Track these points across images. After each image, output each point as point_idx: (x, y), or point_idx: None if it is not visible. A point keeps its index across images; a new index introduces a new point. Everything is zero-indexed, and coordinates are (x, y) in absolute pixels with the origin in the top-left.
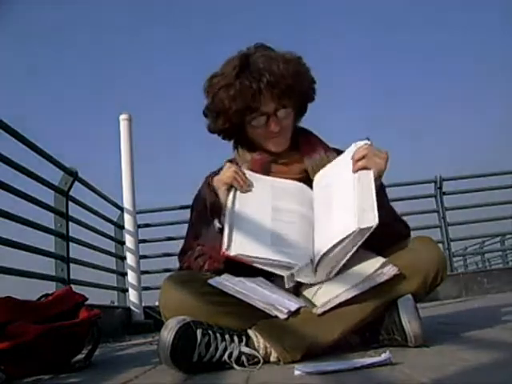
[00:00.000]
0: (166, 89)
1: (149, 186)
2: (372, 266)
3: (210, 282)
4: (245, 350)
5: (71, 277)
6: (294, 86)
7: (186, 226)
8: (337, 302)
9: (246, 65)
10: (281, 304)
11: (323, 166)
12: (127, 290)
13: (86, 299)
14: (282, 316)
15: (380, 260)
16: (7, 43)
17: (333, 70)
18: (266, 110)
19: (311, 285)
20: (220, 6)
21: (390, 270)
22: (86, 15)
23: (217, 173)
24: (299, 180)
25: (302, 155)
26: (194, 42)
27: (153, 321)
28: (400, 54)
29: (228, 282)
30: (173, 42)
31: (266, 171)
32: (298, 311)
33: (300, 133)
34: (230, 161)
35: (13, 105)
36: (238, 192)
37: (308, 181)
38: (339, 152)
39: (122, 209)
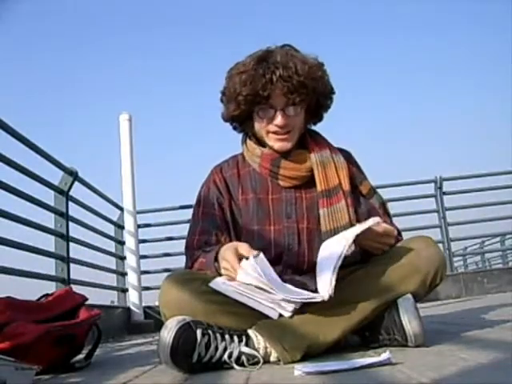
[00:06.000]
0: (166, 87)
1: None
2: None
3: (211, 285)
4: (245, 349)
5: (71, 277)
6: (307, 85)
7: (185, 225)
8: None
9: (265, 57)
10: (285, 302)
11: (328, 163)
12: (127, 290)
13: (86, 299)
14: (287, 314)
15: None
16: (6, 41)
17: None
18: (275, 103)
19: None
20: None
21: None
22: (84, 14)
23: (221, 166)
24: (305, 178)
25: (309, 153)
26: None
27: (153, 321)
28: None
29: (230, 287)
30: (173, 41)
31: (275, 166)
32: (301, 310)
33: (308, 133)
34: (236, 156)
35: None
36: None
37: (312, 181)
38: (343, 152)
39: (122, 209)
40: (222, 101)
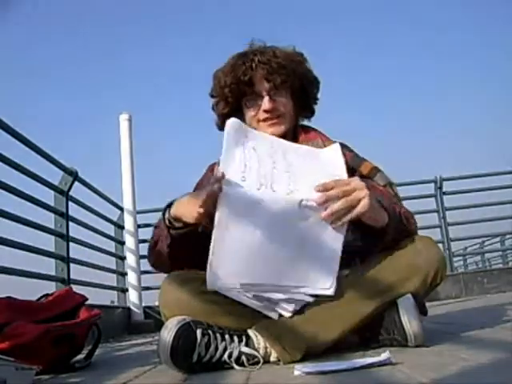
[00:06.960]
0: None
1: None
2: None
3: (208, 287)
4: (245, 349)
5: (71, 277)
6: (286, 66)
7: None
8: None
9: (245, 51)
10: (285, 302)
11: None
12: (127, 290)
13: (86, 299)
14: (287, 314)
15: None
16: (9, 41)
17: (333, 60)
18: (259, 89)
19: None
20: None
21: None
22: (83, 13)
23: (216, 162)
24: None
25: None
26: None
27: (153, 321)
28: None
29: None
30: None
31: None
32: (301, 310)
33: (300, 128)
34: None
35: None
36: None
37: None
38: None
39: (121, 209)
40: (213, 109)
